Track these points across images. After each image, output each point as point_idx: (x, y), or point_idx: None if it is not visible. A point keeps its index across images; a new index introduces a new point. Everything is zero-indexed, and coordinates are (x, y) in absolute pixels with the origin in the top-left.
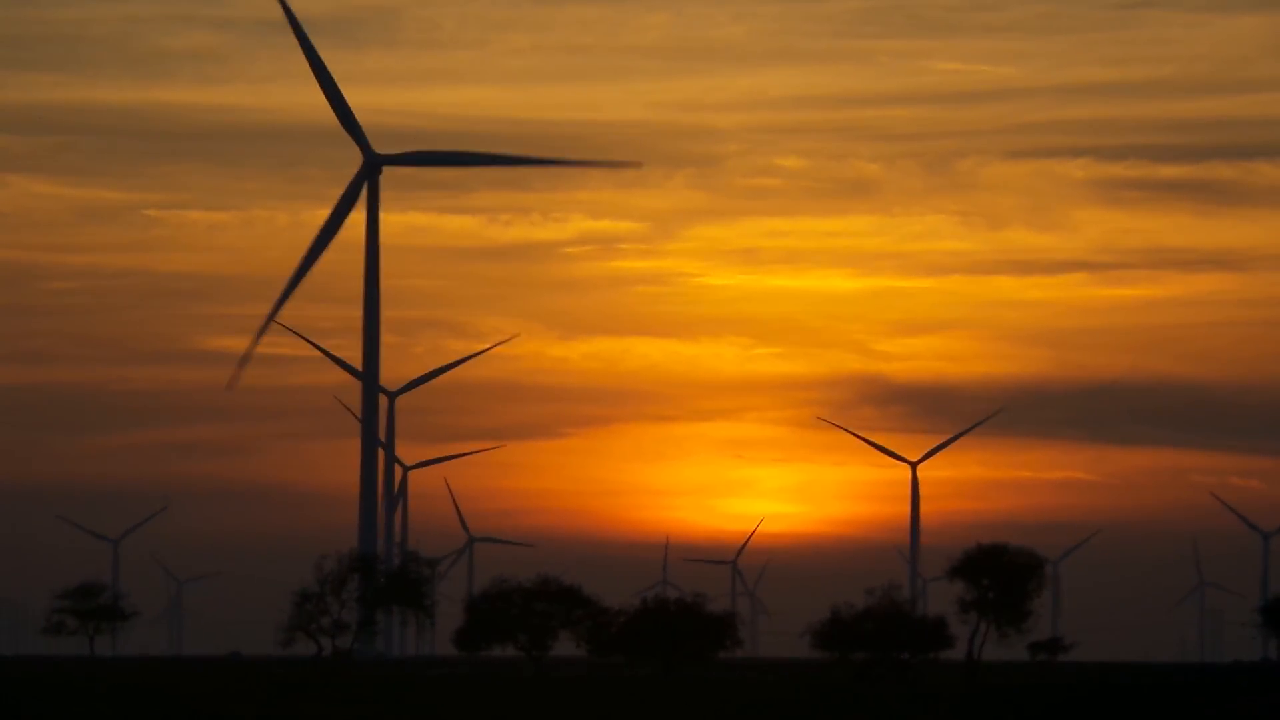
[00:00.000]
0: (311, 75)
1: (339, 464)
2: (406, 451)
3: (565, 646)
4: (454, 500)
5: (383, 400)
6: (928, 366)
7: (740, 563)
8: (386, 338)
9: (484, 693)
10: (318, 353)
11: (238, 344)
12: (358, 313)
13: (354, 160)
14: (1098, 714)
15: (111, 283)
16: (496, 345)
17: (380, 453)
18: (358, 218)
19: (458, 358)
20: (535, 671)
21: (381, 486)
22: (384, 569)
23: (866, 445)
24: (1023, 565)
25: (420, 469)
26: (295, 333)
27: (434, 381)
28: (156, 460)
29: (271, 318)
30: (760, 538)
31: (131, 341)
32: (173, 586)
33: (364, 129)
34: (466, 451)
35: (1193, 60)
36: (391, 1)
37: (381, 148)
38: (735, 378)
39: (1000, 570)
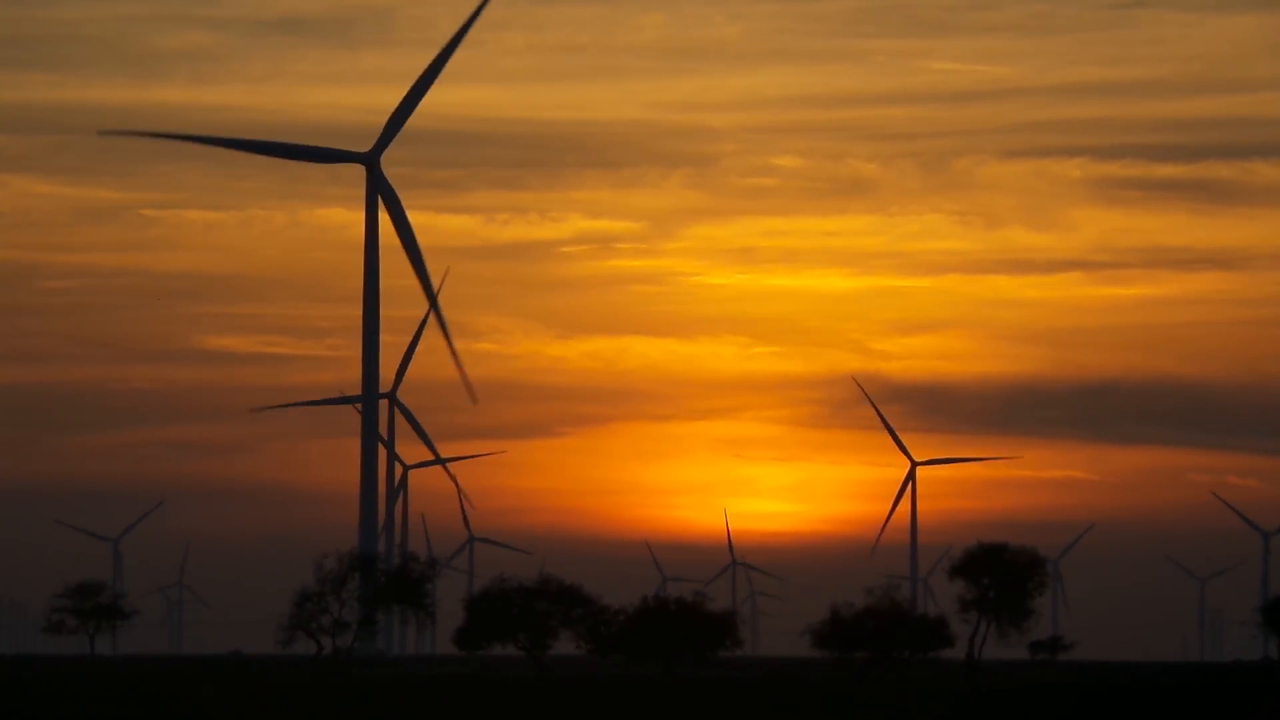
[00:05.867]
0: (310, 73)
1: (339, 464)
2: (407, 450)
3: (565, 645)
4: (460, 497)
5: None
6: (926, 366)
7: (739, 559)
8: (385, 337)
9: (484, 692)
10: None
11: (235, 343)
12: (357, 312)
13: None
14: (1098, 714)
15: (108, 282)
16: (490, 455)
17: (381, 452)
18: (357, 218)
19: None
20: (535, 671)
21: (383, 486)
22: (384, 568)
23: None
24: (1023, 564)
25: (420, 468)
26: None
27: (433, 381)
28: (154, 460)
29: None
30: (759, 536)
31: (129, 341)
32: (173, 586)
33: (360, 129)
34: (469, 454)
35: (1189, 60)
36: (386, 1)
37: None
38: (733, 377)
39: (1001, 569)
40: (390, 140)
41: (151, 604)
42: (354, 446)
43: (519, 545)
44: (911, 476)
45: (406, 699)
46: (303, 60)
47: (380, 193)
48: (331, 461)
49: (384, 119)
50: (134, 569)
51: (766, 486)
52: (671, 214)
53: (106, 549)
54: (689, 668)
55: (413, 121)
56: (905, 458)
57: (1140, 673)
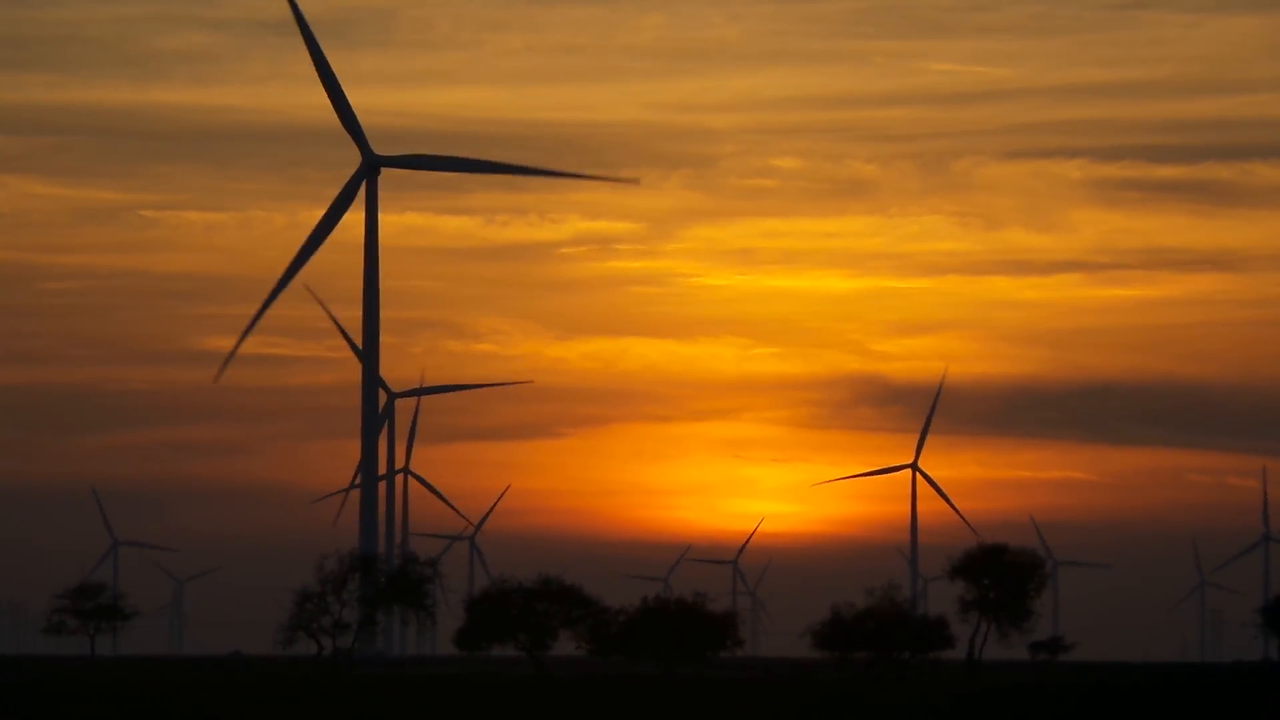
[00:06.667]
0: (310, 75)
1: (339, 464)
2: (405, 449)
3: (565, 646)
4: (498, 497)
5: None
6: (925, 366)
7: (741, 562)
8: (384, 338)
9: (484, 693)
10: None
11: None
12: (357, 313)
13: (351, 160)
14: (1098, 714)
15: (108, 283)
16: (513, 384)
17: (381, 451)
18: (357, 218)
19: (469, 381)
20: (535, 671)
21: (384, 482)
22: (385, 569)
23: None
24: (1023, 565)
25: (417, 456)
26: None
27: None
28: (154, 460)
29: (258, 317)
30: (760, 536)
31: (128, 342)
32: (173, 586)
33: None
34: (461, 508)
35: (1189, 61)
36: (386, 2)
37: (377, 148)
38: (733, 378)
39: (1001, 570)
40: (401, 165)
41: (151, 604)
42: (353, 447)
43: (498, 568)
44: (902, 469)
45: (406, 699)
46: (303, 60)
47: (355, 190)
48: (331, 462)
49: (381, 120)
50: (134, 569)
51: (766, 487)
52: (671, 215)
53: (106, 550)
54: (689, 668)
55: (413, 122)
56: (912, 453)
57: (1140, 673)
